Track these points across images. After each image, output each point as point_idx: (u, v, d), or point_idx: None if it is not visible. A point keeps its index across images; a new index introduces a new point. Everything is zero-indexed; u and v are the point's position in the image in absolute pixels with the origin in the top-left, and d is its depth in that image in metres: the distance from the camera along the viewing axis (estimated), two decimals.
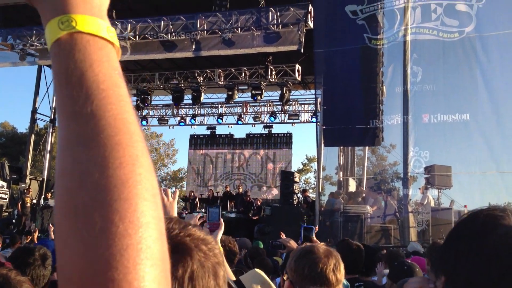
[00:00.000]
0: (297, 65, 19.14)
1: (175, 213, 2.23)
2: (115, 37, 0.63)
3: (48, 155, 23.21)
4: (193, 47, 16.39)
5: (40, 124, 23.64)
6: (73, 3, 0.61)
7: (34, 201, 19.23)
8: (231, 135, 24.97)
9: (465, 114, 13.25)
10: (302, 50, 15.14)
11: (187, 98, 22.57)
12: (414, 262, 4.70)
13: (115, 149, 0.54)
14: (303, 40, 14.98)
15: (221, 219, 2.79)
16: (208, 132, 25.04)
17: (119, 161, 0.54)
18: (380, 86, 14.47)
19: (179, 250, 0.88)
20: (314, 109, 19.36)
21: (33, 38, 17.62)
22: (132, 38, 16.69)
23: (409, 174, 13.25)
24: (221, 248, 2.37)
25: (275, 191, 22.47)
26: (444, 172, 13.19)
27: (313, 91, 20.48)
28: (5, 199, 19.53)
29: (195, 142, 25.45)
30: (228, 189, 19.87)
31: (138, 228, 0.52)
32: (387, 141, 14.92)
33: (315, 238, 3.99)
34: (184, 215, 18.06)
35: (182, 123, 24.56)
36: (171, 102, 23.24)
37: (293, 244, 3.93)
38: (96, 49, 0.59)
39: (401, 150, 13.66)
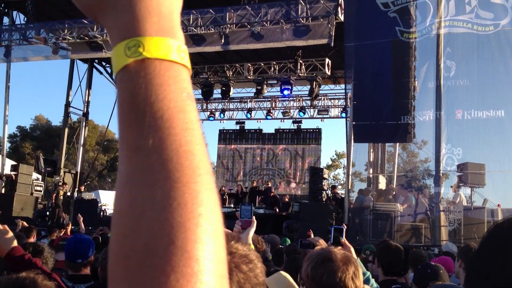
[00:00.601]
0: (327, 59, 18.96)
1: None
2: (186, 56, 0.58)
3: (81, 148, 23.68)
4: (222, 40, 16.41)
5: (74, 118, 24.11)
6: (141, 20, 0.56)
7: (68, 193, 19.64)
8: (260, 130, 24.97)
9: (500, 111, 12.90)
10: (332, 44, 14.98)
11: (216, 93, 22.67)
12: (441, 262, 4.59)
13: (174, 187, 0.50)
14: (333, 34, 14.81)
15: (253, 217, 2.76)
16: (237, 127, 25.12)
17: (177, 202, 0.49)
18: (412, 81, 14.19)
19: None
20: (344, 104, 19.15)
21: (66, 31, 17.90)
22: None
23: (441, 171, 12.98)
24: (252, 246, 2.34)
25: (293, 185, 22.41)
26: (477, 170, 12.88)
27: (343, 86, 20.26)
28: (40, 191, 20.01)
29: (224, 137, 25.56)
30: (255, 184, 19.89)
31: (190, 278, 0.48)
32: (419, 138, 14.64)
33: (345, 240, 3.92)
34: None
35: (211, 118, 24.70)
36: (200, 96, 23.38)
37: (322, 243, 3.87)
38: (163, 72, 0.55)
39: (433, 147, 13.38)
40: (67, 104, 23.11)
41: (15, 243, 2.79)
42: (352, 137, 14.73)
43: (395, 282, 4.16)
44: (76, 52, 19.39)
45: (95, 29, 17.46)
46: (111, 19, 0.58)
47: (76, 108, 23.57)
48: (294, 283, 2.30)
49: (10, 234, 2.79)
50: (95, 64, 23.73)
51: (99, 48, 18.16)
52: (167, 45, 0.56)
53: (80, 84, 23.29)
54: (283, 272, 2.39)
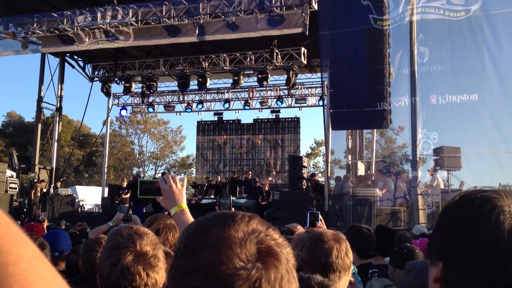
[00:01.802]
0: (303, 48, 18.97)
1: (184, 201, 2.21)
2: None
3: (56, 143, 23.26)
4: (197, 31, 16.27)
5: (47, 113, 23.70)
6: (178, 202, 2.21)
7: (44, 190, 19.34)
8: (239, 120, 24.95)
9: (473, 94, 13.14)
10: (307, 33, 14.98)
11: (193, 84, 22.51)
12: (421, 244, 4.66)
13: None
14: (307, 22, 14.81)
15: (233, 209, 2.72)
16: (215, 118, 25.03)
17: None
18: (387, 68, 14.33)
19: (270, 255, 0.86)
20: (321, 92, 19.24)
21: (35, 25, 17.51)
22: (134, 23, 16.58)
23: (418, 156, 13.19)
24: None
25: (273, 174, 22.51)
26: (453, 154, 13.12)
27: (319, 75, 20.33)
28: (15, 188, 19.64)
29: (203, 128, 25.47)
30: (235, 175, 19.90)
31: None
32: (396, 124, 14.83)
33: (320, 223, 3.96)
34: (194, 201, 18.20)
35: (188, 110, 24.54)
36: (177, 88, 23.19)
37: (300, 229, 3.91)
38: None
39: (410, 132, 13.58)
40: (40, 100, 22.65)
41: None
42: (330, 125, 14.82)
43: (371, 266, 4.21)
44: (46, 45, 19.00)
45: (65, 22, 17.11)
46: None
47: (49, 103, 23.14)
48: None
49: None
50: (66, 58, 23.28)
51: (71, 41, 17.81)
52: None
53: (52, 79, 22.83)
54: None
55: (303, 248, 2.11)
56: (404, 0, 13.90)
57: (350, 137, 16.97)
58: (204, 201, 17.36)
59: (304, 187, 15.35)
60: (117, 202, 18.15)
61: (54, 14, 17.27)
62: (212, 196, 18.29)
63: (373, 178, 15.25)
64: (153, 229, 2.94)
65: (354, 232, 4.46)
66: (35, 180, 19.83)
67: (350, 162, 16.80)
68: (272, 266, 0.84)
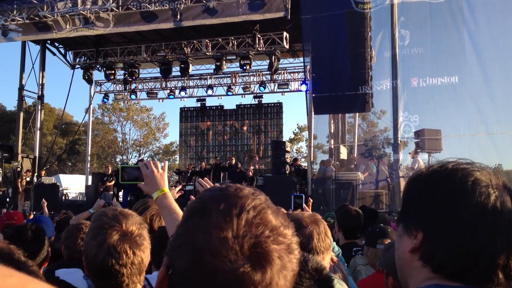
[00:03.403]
0: (285, 33, 18.90)
1: (166, 185, 2.24)
2: (166, 190, 2.26)
3: (38, 132, 22.99)
4: (175, 17, 16.12)
5: (29, 101, 23.39)
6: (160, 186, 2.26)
7: (28, 179, 19.18)
8: (222, 106, 24.88)
9: (454, 77, 13.24)
10: (289, 17, 14.94)
11: (175, 70, 22.33)
12: None
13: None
14: (289, 7, 14.77)
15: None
16: (198, 104, 24.93)
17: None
18: (368, 51, 14.35)
19: (262, 260, 0.86)
20: (304, 77, 19.25)
21: (15, 12, 17.23)
22: (115, 9, 16.38)
23: (399, 139, 13.30)
24: None
25: (257, 159, 22.60)
26: (433, 136, 13.25)
27: (301, 59, 20.33)
28: None
29: (186, 114, 25.36)
30: (217, 161, 19.91)
31: None
32: (377, 107, 14.92)
33: (305, 206, 4.03)
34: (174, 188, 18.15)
35: (171, 96, 24.41)
36: (159, 75, 23.01)
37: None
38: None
39: (391, 115, 13.67)
40: (21, 88, 22.33)
41: None
42: (313, 110, 14.86)
43: (355, 245, 4.34)
44: (26, 33, 18.70)
45: (45, 9, 16.84)
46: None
47: (30, 92, 22.82)
48: None
49: None
50: (47, 45, 22.93)
51: (49, 29, 17.55)
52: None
53: (33, 67, 22.50)
54: None
55: None
56: None
57: (332, 121, 17.06)
58: (188, 187, 17.38)
59: (287, 172, 15.43)
60: (101, 189, 18.08)
61: (34, 1, 17.00)
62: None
63: (355, 162, 15.38)
64: (146, 215, 2.98)
65: (343, 213, 4.57)
66: (19, 169, 19.63)
67: (332, 146, 16.90)
68: (258, 268, 0.84)
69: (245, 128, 24.11)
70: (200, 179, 2.56)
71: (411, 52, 13.68)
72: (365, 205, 7.88)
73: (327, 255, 2.21)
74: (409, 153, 13.65)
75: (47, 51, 23.07)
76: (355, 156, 16.14)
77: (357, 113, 17.29)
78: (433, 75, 13.45)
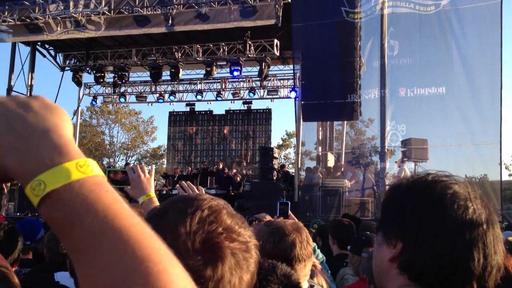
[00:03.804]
0: (276, 40, 18.99)
1: (152, 190, 2.24)
2: (89, 166, 0.65)
3: None
4: (167, 22, 16.15)
5: None
6: (30, 163, 0.64)
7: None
8: (211, 111, 24.88)
9: (441, 87, 13.37)
10: (280, 24, 15.03)
11: (165, 75, 22.32)
12: None
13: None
14: (280, 14, 14.85)
15: None
16: (188, 109, 24.90)
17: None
18: (357, 60, 14.47)
19: (214, 254, 0.87)
20: (293, 84, 19.33)
21: (6, 13, 17.13)
22: (107, 13, 16.36)
23: (386, 147, 13.38)
24: None
25: (244, 165, 22.63)
26: (420, 145, 13.34)
27: (291, 66, 20.41)
28: None
29: (175, 119, 25.33)
30: (205, 165, 19.89)
31: None
32: (365, 116, 15.01)
33: (290, 213, 4.06)
34: (164, 191, 18.14)
35: (160, 100, 24.33)
36: (149, 78, 22.98)
37: (268, 219, 3.97)
38: (77, 192, 0.62)
39: (379, 124, 13.76)
40: (9, 89, 22.15)
41: None
42: (301, 116, 14.92)
43: (347, 256, 4.37)
44: (16, 35, 18.60)
45: (37, 11, 16.78)
46: (15, 174, 0.65)
47: (19, 93, 22.64)
48: None
49: None
50: (37, 46, 22.80)
51: (40, 31, 17.48)
52: (62, 172, 0.62)
53: (22, 68, 22.36)
54: None
55: (267, 243, 2.12)
56: None
57: (320, 128, 17.12)
58: (174, 191, 17.34)
59: (274, 178, 15.46)
60: None
61: (26, 3, 16.93)
62: None
63: (342, 169, 15.44)
64: None
65: (336, 225, 4.66)
66: None
67: (320, 154, 16.95)
68: (209, 263, 0.85)
69: (225, 131, 24.09)
70: (182, 182, 2.55)
71: (400, 62, 13.82)
72: (347, 213, 7.94)
73: (309, 262, 2.23)
74: (396, 161, 13.74)
75: (37, 53, 22.95)
76: (343, 163, 16.20)
77: (345, 121, 17.36)
78: (421, 85, 13.58)
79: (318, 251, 3.54)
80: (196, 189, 2.34)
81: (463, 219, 1.05)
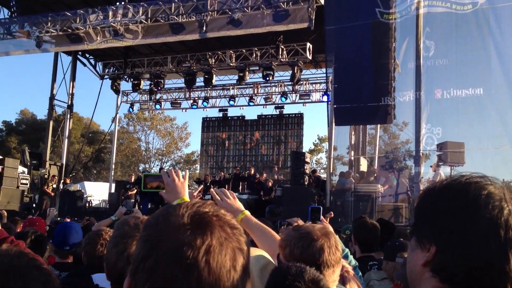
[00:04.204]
0: (308, 44, 18.97)
1: (186, 194, 2.27)
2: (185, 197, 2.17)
3: (66, 140, 23.51)
4: (201, 29, 16.32)
5: (58, 111, 23.88)
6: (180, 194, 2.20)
7: (54, 185, 19.60)
8: (243, 117, 24.96)
9: (478, 89, 12.96)
10: (313, 28, 14.96)
11: (199, 81, 22.62)
12: None
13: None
14: (313, 17, 14.77)
15: None
16: (220, 115, 25.09)
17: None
18: (392, 62, 14.21)
19: (202, 225, 0.94)
20: (325, 88, 19.23)
21: (49, 24, 17.72)
22: (144, 21, 16.72)
23: (421, 151, 13.02)
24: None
25: (276, 170, 22.60)
26: (456, 149, 12.99)
27: (324, 70, 20.32)
28: (26, 184, 19.93)
29: (208, 124, 25.55)
30: (237, 171, 19.95)
31: None
32: (400, 119, 14.69)
33: (322, 218, 4.04)
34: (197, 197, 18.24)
35: (194, 106, 24.63)
36: (183, 85, 23.31)
37: (300, 223, 3.96)
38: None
39: (414, 127, 13.43)
40: (52, 97, 22.94)
41: None
42: (334, 121, 14.78)
43: (372, 259, 4.22)
44: (58, 45, 19.19)
45: (78, 21, 17.29)
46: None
47: (60, 101, 23.42)
48: (273, 261, 2.38)
49: None
50: (78, 56, 23.53)
51: (81, 40, 17.98)
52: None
53: (64, 77, 23.13)
54: (260, 251, 2.47)
55: (295, 248, 2.11)
56: None
57: (353, 133, 16.91)
58: (207, 197, 17.49)
59: (306, 183, 15.37)
60: (122, 198, 18.29)
61: (68, 13, 17.48)
62: None
63: (375, 174, 15.20)
64: None
65: (359, 225, 4.47)
66: (46, 176, 20.07)
67: (352, 158, 16.74)
68: (198, 234, 0.92)
69: (256, 136, 24.10)
70: (214, 189, 2.60)
71: (436, 63, 13.48)
72: (382, 218, 7.80)
73: (338, 268, 2.20)
74: (431, 166, 13.43)
75: (78, 62, 23.67)
76: (376, 168, 15.95)
77: (379, 125, 17.11)
78: (458, 86, 13.21)
79: (350, 257, 3.50)
80: (229, 194, 2.40)
81: (498, 220, 1.03)
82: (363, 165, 16.43)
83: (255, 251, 2.34)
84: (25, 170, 21.02)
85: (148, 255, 0.92)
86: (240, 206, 2.38)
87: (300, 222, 3.91)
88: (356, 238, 4.46)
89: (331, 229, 2.97)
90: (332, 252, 2.12)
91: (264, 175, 19.69)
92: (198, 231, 0.93)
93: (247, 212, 2.36)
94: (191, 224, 0.94)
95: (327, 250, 2.10)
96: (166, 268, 0.90)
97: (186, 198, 2.26)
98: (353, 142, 16.91)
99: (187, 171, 2.96)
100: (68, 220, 10.01)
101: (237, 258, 0.95)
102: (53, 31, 17.68)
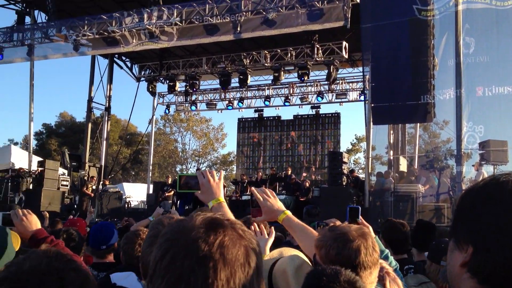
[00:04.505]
0: (344, 42, 18.79)
1: (221, 194, 2.26)
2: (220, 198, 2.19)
3: (104, 142, 24.02)
4: (235, 29, 16.37)
5: (97, 113, 24.39)
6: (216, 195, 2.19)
7: (93, 187, 20.02)
8: (279, 117, 24.94)
9: None
10: (349, 26, 14.80)
11: (234, 82, 22.71)
12: None
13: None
14: (349, 16, 14.62)
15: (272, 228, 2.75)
16: (256, 115, 25.13)
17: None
18: (431, 59, 13.95)
19: (214, 225, 1.01)
20: (362, 87, 18.99)
21: (86, 28, 18.06)
22: (178, 23, 16.89)
23: (462, 150, 12.73)
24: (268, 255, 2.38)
25: (313, 170, 22.44)
26: (499, 147, 12.64)
27: (361, 69, 20.08)
28: (67, 186, 20.41)
29: (243, 125, 25.63)
30: (273, 171, 19.91)
31: None
32: (440, 117, 14.40)
33: (361, 219, 3.95)
34: (234, 198, 18.36)
35: (230, 107, 24.75)
36: (218, 86, 23.45)
37: (338, 224, 3.88)
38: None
39: (454, 126, 13.16)
40: (90, 100, 23.45)
41: (38, 225, 2.83)
42: (371, 120, 14.61)
43: (407, 262, 4.13)
44: (95, 48, 19.59)
45: (113, 24, 17.61)
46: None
47: (98, 103, 23.92)
48: (308, 261, 2.34)
49: (34, 216, 2.85)
50: (115, 59, 24.01)
51: (117, 43, 18.31)
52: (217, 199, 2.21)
53: (101, 80, 23.64)
54: (295, 252, 2.42)
55: (331, 249, 2.09)
56: None
57: (392, 132, 16.65)
58: (244, 197, 17.52)
59: (344, 183, 15.23)
60: (160, 199, 18.51)
61: (104, 17, 17.81)
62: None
63: (416, 174, 14.94)
64: None
65: (388, 227, 4.39)
66: (85, 177, 20.52)
67: (391, 158, 16.49)
68: (212, 232, 0.98)
69: (301, 138, 24.03)
70: (255, 188, 2.55)
71: (476, 60, 13.16)
72: (421, 218, 7.61)
73: (375, 270, 2.16)
74: (473, 165, 13.10)
75: (114, 65, 24.16)
76: (416, 167, 15.67)
77: (418, 123, 16.79)
78: (499, 83, 12.86)
79: (391, 258, 3.42)
80: (269, 193, 2.40)
81: None
82: (403, 165, 16.16)
83: (289, 251, 2.31)
84: (65, 171, 21.55)
85: (164, 254, 0.98)
86: (281, 206, 2.37)
87: (338, 223, 3.83)
88: (386, 240, 4.36)
89: (370, 229, 2.88)
90: (369, 253, 2.09)
91: (304, 174, 19.57)
92: (211, 230, 0.99)
93: (289, 212, 2.36)
94: (205, 225, 1.00)
95: (363, 251, 2.07)
96: (183, 261, 0.95)
97: (222, 198, 2.25)
98: (392, 142, 16.64)
99: (222, 171, 2.94)
100: (109, 220, 10.20)
101: (251, 255, 1.00)
102: (90, 34, 18.03)
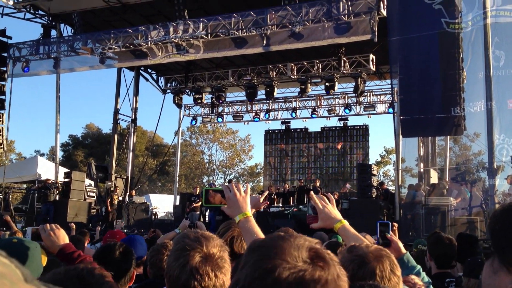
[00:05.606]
0: (371, 55, 18.71)
1: (248, 209, 2.23)
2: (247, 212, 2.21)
3: (131, 153, 24.28)
4: (263, 42, 16.45)
5: (123, 125, 24.71)
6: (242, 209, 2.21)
7: (120, 198, 20.17)
8: (306, 129, 24.91)
9: None
10: (376, 39, 14.75)
11: (261, 94, 22.77)
12: None
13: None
14: (376, 29, 14.59)
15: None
16: (283, 127, 25.12)
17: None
18: (460, 72, 13.83)
19: (320, 259, 0.99)
20: (391, 99, 18.82)
21: (111, 41, 18.32)
22: (204, 36, 17.05)
23: (495, 163, 12.57)
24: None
25: (348, 186, 22.22)
26: None
27: (389, 81, 19.92)
28: (93, 197, 20.61)
29: (270, 137, 25.66)
30: (301, 183, 19.78)
31: None
32: (470, 130, 14.22)
33: (392, 234, 3.86)
34: (262, 209, 18.30)
35: (256, 119, 24.82)
36: (245, 98, 23.55)
37: (369, 239, 3.82)
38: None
39: (486, 138, 12.98)
40: (116, 112, 23.76)
41: (66, 240, 2.86)
42: (400, 132, 14.48)
43: (449, 275, 4.05)
44: (122, 60, 19.89)
45: (139, 37, 17.87)
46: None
47: (124, 115, 24.23)
48: None
49: (62, 231, 2.87)
50: (141, 71, 24.35)
51: (144, 56, 18.57)
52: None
53: (127, 92, 23.96)
54: None
55: (347, 271, 2.07)
56: (477, 3, 13.46)
57: (422, 144, 16.45)
58: (272, 209, 17.43)
59: (373, 196, 15.04)
60: (188, 210, 18.57)
61: (129, 30, 18.09)
62: (280, 205, 18.32)
63: (447, 187, 14.69)
64: (227, 237, 2.95)
65: (434, 240, 4.31)
66: (112, 188, 20.74)
67: (422, 170, 16.26)
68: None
69: (329, 150, 23.87)
70: (315, 195, 2.50)
71: (507, 73, 13.07)
72: (462, 232, 7.45)
73: None
74: (506, 178, 12.83)
75: (140, 77, 24.50)
76: (447, 180, 15.41)
77: (449, 136, 16.55)
78: None
79: (423, 273, 3.33)
80: (242, 190, 2.31)
81: None
82: (433, 177, 15.93)
83: None
84: (92, 182, 21.81)
85: (262, 279, 0.94)
86: (338, 214, 2.36)
87: (368, 237, 3.75)
88: (431, 254, 4.27)
89: (400, 245, 2.80)
90: (385, 275, 2.04)
91: (348, 185, 19.33)
92: (318, 266, 0.96)
93: (345, 221, 2.36)
94: (310, 259, 0.97)
95: (378, 274, 2.03)
96: None
97: (249, 213, 2.21)
98: (422, 154, 16.41)
99: (248, 184, 2.91)
100: (136, 232, 10.26)
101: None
102: (116, 47, 18.29)
